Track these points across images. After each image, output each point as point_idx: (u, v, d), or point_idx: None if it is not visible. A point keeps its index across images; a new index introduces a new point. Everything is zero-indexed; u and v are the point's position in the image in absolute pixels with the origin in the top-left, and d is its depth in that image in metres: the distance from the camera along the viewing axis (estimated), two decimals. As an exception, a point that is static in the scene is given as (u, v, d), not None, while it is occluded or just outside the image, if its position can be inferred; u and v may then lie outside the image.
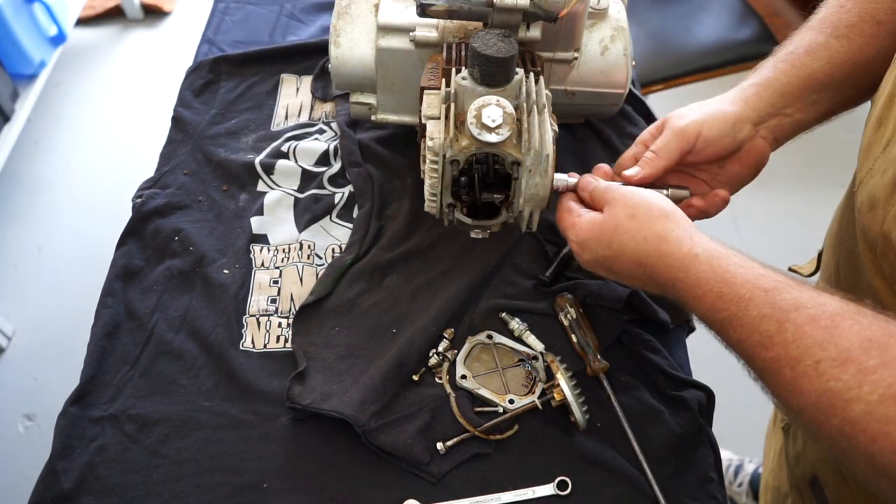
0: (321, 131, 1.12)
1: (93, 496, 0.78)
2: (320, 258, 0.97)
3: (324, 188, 1.04)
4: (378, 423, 0.79)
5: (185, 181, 1.05)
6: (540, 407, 0.82)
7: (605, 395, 0.83)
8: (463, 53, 0.80)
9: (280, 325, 0.91)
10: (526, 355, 0.87)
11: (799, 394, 0.52)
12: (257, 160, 1.07)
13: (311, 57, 1.21)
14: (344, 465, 0.80)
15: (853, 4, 0.76)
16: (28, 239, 2.21)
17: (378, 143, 1.07)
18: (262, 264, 0.96)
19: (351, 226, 1.00)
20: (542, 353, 0.86)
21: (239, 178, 1.05)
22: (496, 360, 0.87)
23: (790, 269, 0.94)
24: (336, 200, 1.03)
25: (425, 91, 0.78)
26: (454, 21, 0.83)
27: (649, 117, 1.12)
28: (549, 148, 0.72)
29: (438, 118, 0.73)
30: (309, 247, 0.98)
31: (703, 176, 0.81)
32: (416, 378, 0.85)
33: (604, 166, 0.80)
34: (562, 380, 0.79)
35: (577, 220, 0.73)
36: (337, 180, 1.05)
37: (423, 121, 0.75)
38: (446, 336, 0.88)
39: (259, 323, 0.91)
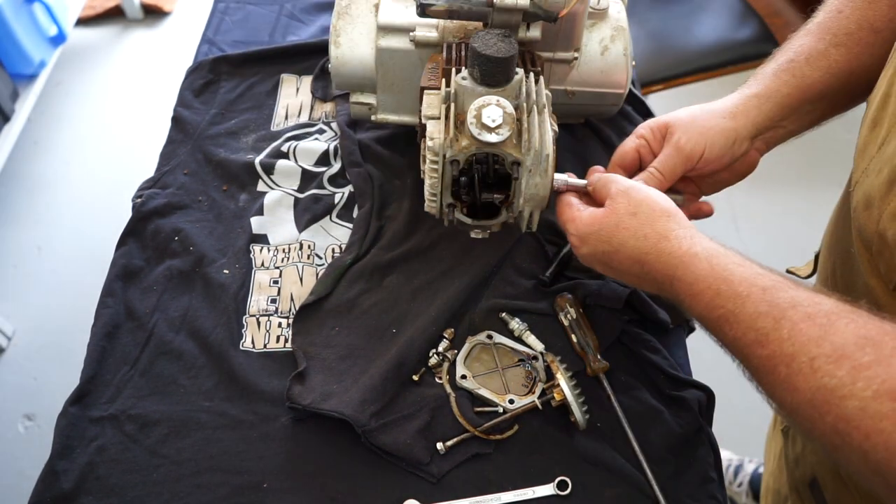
0: (321, 131, 1.12)
1: (93, 496, 0.78)
2: (320, 258, 0.97)
3: (324, 188, 1.04)
4: (378, 423, 0.79)
5: (185, 181, 1.05)
6: (540, 407, 0.82)
7: (605, 395, 0.83)
8: (463, 53, 0.80)
9: (280, 325, 0.91)
10: (526, 355, 0.87)
11: (793, 391, 0.52)
12: (257, 160, 1.07)
13: (311, 57, 1.21)
14: (344, 465, 0.80)
15: (851, 11, 0.77)
16: (28, 239, 2.21)
17: (378, 143, 1.07)
18: (262, 264, 0.96)
19: (351, 226, 1.00)
20: (542, 353, 0.86)
21: (239, 178, 1.05)
22: (496, 360, 0.87)
23: (788, 272, 0.94)
24: (336, 200, 1.03)
25: (425, 91, 0.78)
26: (454, 21, 0.83)
27: (649, 117, 1.12)
28: (549, 148, 0.72)
29: (438, 118, 0.73)
30: (309, 247, 0.98)
31: (689, 175, 0.81)
32: (416, 378, 0.85)
33: (598, 168, 0.81)
34: (562, 380, 0.79)
35: (578, 214, 0.73)
36: (337, 180, 1.05)
37: (423, 121, 0.75)
38: (446, 336, 0.88)
39: (259, 323, 0.91)
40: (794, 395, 0.52)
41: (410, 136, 1.00)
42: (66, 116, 2.55)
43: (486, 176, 0.77)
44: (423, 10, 0.77)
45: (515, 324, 0.88)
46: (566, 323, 0.88)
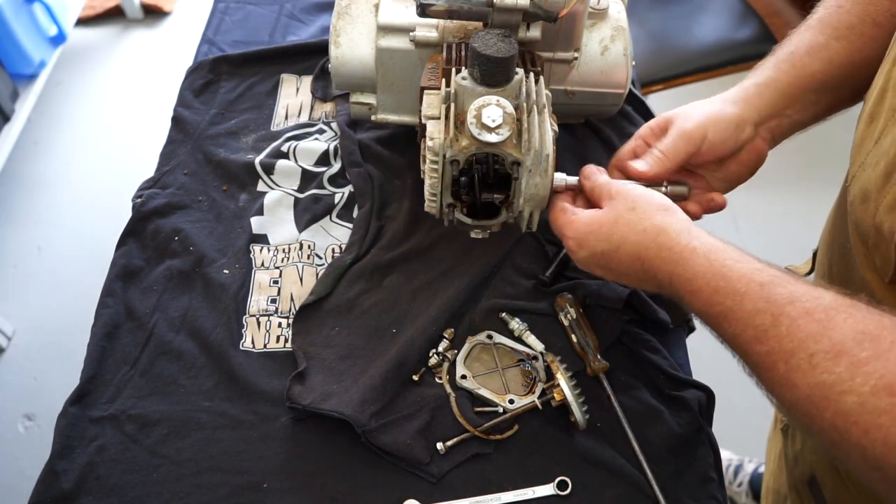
0: (321, 131, 1.12)
1: (93, 496, 0.78)
2: (320, 258, 0.97)
3: (324, 188, 1.04)
4: (378, 423, 0.79)
5: (185, 181, 1.05)
6: (540, 407, 0.82)
7: (605, 395, 0.83)
8: (463, 53, 0.80)
9: (280, 325, 0.91)
10: (526, 355, 0.87)
11: (792, 387, 0.52)
12: (257, 160, 1.07)
13: (311, 57, 1.21)
14: (344, 465, 0.80)
15: (852, 5, 0.77)
16: (28, 239, 2.21)
17: (378, 143, 1.07)
18: (262, 264, 0.96)
19: (351, 226, 1.00)
20: (542, 353, 0.86)
21: (239, 178, 1.05)
22: (496, 360, 0.87)
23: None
24: (336, 200, 1.03)
25: (425, 91, 0.78)
26: (454, 21, 0.83)
27: (649, 117, 1.12)
28: (549, 148, 0.72)
29: (438, 118, 0.73)
30: (309, 247, 0.98)
31: (701, 172, 0.81)
32: (416, 378, 0.85)
33: (592, 167, 0.80)
34: (562, 380, 0.79)
35: (574, 218, 0.73)
36: (337, 180, 1.05)
37: (423, 121, 0.75)
38: (446, 336, 0.88)
39: (259, 323, 0.91)
40: (792, 392, 0.52)
41: (410, 136, 1.00)
42: (66, 116, 2.55)
43: (486, 176, 0.76)
44: (423, 10, 0.77)
45: (515, 324, 0.88)
46: (566, 323, 0.88)
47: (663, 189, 0.77)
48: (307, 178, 1.06)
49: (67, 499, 0.77)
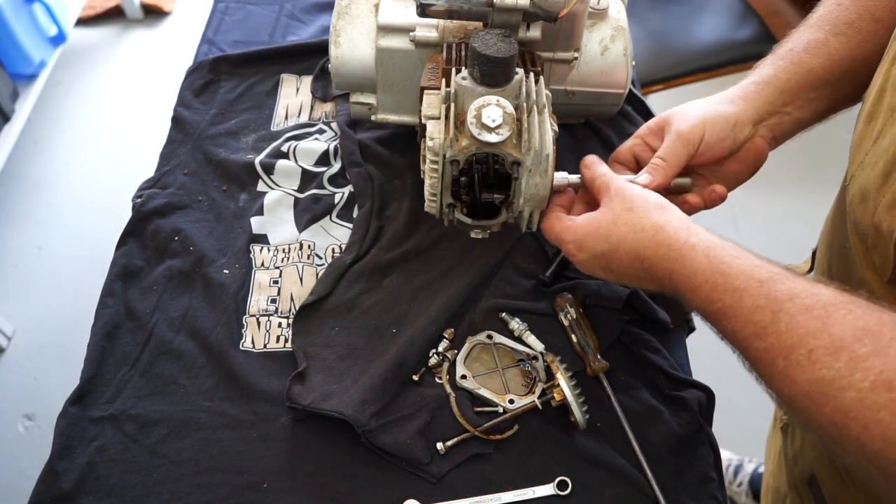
0: (321, 131, 1.12)
1: (93, 496, 0.78)
2: (320, 258, 0.97)
3: (324, 188, 1.04)
4: (378, 423, 0.79)
5: (185, 181, 1.05)
6: (540, 407, 0.82)
7: (605, 395, 0.83)
8: (463, 53, 0.80)
9: (280, 325, 0.91)
10: (526, 355, 0.87)
11: (791, 383, 0.52)
12: (257, 160, 1.07)
13: (311, 57, 1.21)
14: (344, 465, 0.80)
15: (851, 2, 0.77)
16: (28, 239, 2.21)
17: (378, 143, 1.07)
18: (262, 264, 0.96)
19: (351, 226, 1.00)
20: (542, 353, 0.86)
21: (239, 178, 1.05)
22: (496, 360, 0.87)
23: None
24: (336, 200, 1.03)
25: (425, 91, 0.78)
26: (454, 21, 0.83)
27: (649, 117, 1.12)
28: (549, 148, 0.72)
29: (438, 118, 0.73)
30: (309, 247, 0.98)
31: (702, 172, 0.81)
32: (416, 378, 0.85)
33: (592, 157, 0.79)
34: (562, 380, 0.79)
35: (571, 223, 0.73)
36: (337, 180, 1.05)
37: (423, 121, 0.75)
38: (446, 336, 0.88)
39: (259, 323, 0.91)
40: (792, 387, 0.52)
41: (410, 136, 1.00)
42: (66, 116, 2.55)
43: (486, 176, 0.76)
44: (423, 10, 0.77)
45: (515, 324, 0.88)
46: (566, 323, 0.88)
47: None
48: (307, 178, 1.06)
49: (67, 499, 0.77)
